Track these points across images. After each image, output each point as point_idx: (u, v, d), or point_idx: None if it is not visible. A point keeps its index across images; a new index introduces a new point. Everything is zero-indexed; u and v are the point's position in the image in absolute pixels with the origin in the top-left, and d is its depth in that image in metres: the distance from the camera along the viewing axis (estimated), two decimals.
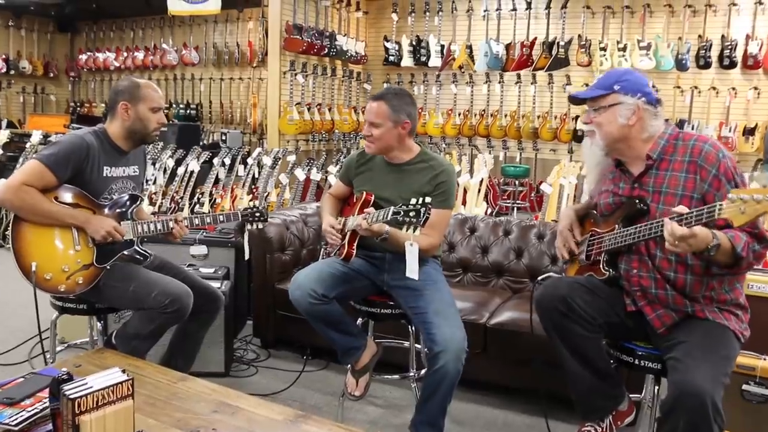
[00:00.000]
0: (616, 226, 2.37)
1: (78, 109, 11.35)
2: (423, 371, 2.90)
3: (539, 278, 2.74)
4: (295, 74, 8.16)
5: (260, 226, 3.09)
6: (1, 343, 3.77)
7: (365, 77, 9.76)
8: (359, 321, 2.99)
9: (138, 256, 2.82)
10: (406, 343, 3.16)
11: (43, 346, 2.73)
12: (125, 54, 10.76)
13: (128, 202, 2.81)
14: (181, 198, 6.13)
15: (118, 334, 2.82)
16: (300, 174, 6.04)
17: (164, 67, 10.50)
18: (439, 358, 2.54)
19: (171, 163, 6.52)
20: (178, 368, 2.94)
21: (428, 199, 2.46)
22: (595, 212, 2.55)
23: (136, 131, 2.80)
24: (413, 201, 2.47)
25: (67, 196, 2.69)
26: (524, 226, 3.89)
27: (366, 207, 2.77)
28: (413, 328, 2.97)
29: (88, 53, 11.25)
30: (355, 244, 2.80)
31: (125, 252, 2.78)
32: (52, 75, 11.48)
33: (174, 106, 10.33)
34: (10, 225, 2.65)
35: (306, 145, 8.67)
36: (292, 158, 6.39)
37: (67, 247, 2.67)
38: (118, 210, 2.78)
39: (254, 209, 3.04)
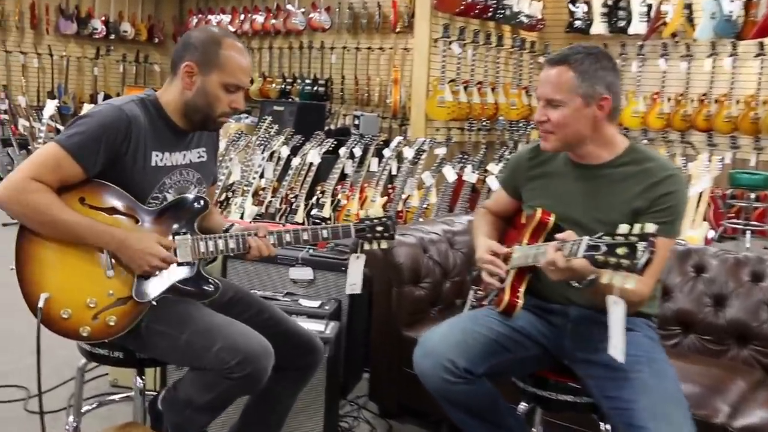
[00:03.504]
0: None
1: None
2: None
3: None
4: (450, 43, 7.94)
5: (384, 245, 2.54)
6: (30, 384, 3.55)
7: (542, 48, 9.27)
8: (521, 407, 2.46)
9: (201, 288, 2.38)
10: None
11: (42, 408, 2.35)
12: (242, 16, 10.90)
13: (191, 206, 2.37)
14: (296, 197, 6.06)
15: (166, 398, 2.43)
16: (449, 173, 5.69)
17: (288, 33, 10.56)
18: None
19: (285, 151, 6.46)
20: None
21: (651, 227, 1.83)
22: None
23: (196, 109, 2.34)
24: (623, 228, 1.87)
25: (101, 196, 2.28)
26: None
27: (541, 232, 2.26)
28: (609, 426, 2.37)
29: (200, 15, 11.57)
30: (522, 290, 2.26)
31: (181, 281, 2.34)
32: (157, 41, 11.88)
33: (298, 81, 10.32)
34: (15, 240, 2.26)
35: (460, 135, 8.43)
36: (441, 151, 6.11)
37: (94, 272, 2.27)
38: (173, 223, 2.35)
39: (375, 221, 2.48)
